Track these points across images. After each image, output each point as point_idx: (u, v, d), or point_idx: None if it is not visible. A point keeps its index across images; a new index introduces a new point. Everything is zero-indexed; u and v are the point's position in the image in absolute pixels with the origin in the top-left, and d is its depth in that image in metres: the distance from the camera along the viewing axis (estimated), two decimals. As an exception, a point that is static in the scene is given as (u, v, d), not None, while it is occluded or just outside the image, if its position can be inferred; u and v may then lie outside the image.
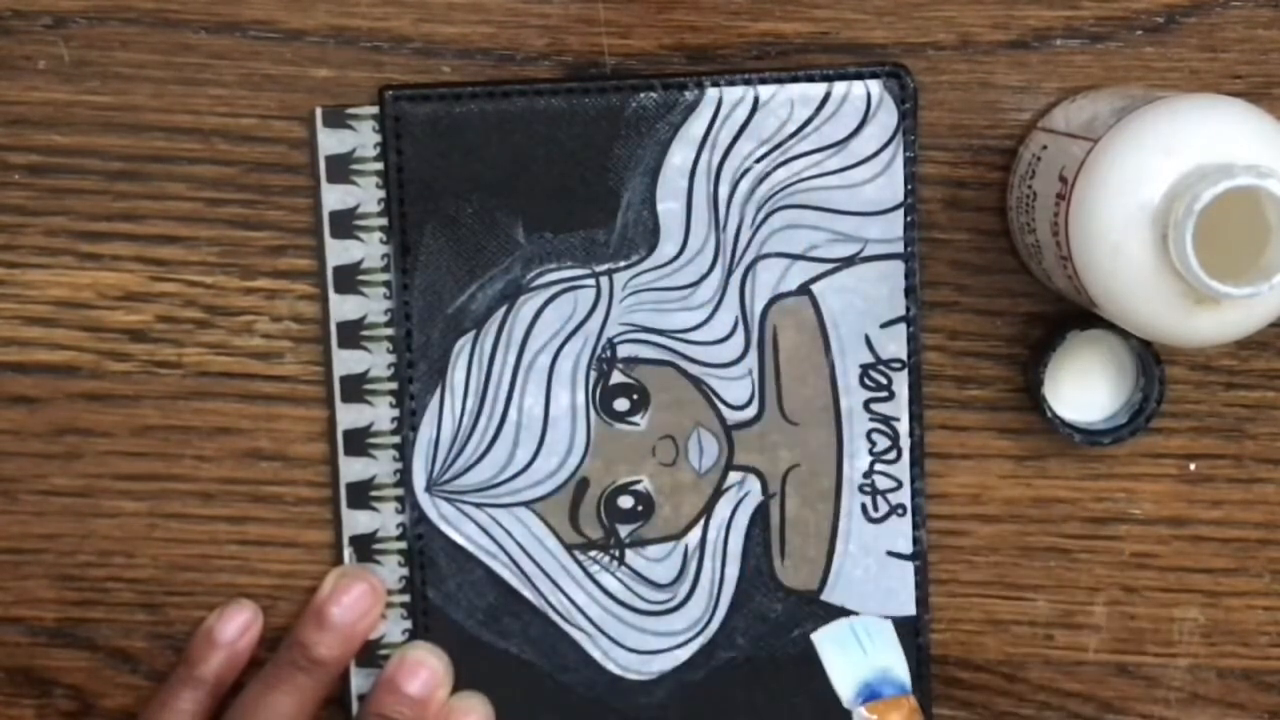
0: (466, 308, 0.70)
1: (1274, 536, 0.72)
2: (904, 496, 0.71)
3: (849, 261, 0.70)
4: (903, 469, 0.71)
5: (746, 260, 0.70)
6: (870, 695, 0.72)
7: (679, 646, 0.72)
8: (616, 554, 0.72)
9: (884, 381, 0.71)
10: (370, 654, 0.72)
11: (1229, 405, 0.72)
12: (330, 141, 0.70)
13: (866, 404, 0.71)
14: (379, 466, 0.71)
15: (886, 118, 0.69)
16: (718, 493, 0.71)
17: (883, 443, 0.71)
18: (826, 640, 0.72)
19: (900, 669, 0.72)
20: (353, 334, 0.71)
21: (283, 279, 0.71)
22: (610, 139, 0.69)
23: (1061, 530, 0.72)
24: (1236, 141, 0.60)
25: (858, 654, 0.72)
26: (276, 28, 0.69)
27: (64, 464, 0.72)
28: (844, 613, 0.72)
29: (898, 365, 0.71)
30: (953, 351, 0.71)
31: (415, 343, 0.70)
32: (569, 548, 0.72)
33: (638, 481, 0.71)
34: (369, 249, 0.70)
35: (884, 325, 0.70)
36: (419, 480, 0.71)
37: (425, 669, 0.71)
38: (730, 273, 0.70)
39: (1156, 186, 0.60)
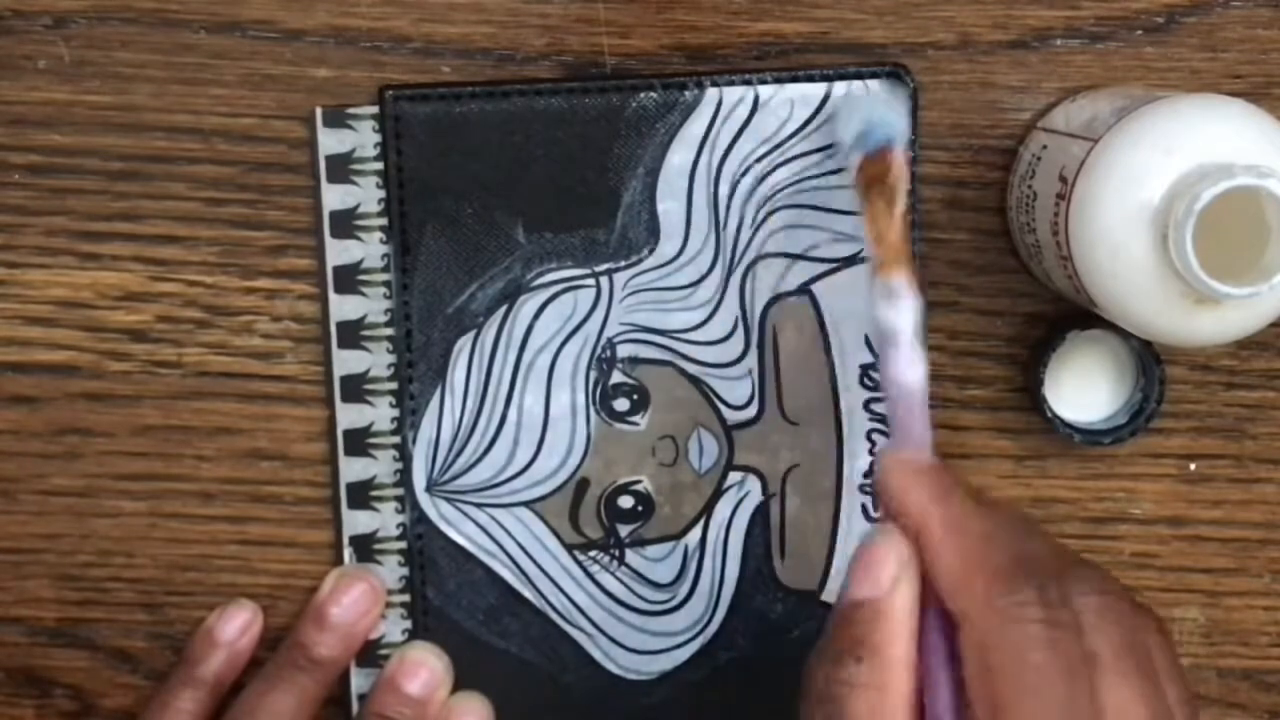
0: (466, 308, 0.70)
1: (1274, 536, 0.72)
2: (904, 496, 0.71)
3: (849, 261, 0.70)
4: (903, 469, 0.71)
5: (746, 260, 0.70)
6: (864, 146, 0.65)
7: (679, 647, 0.72)
8: (616, 554, 0.72)
9: (884, 381, 0.71)
10: (370, 654, 0.72)
11: (1229, 405, 0.72)
12: (330, 141, 0.70)
13: (866, 404, 0.71)
14: (379, 466, 0.71)
15: (886, 118, 0.69)
16: (718, 493, 0.71)
17: (883, 442, 0.71)
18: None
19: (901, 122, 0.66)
20: (353, 334, 0.71)
21: (283, 279, 0.71)
22: (610, 139, 0.69)
23: (1061, 530, 0.72)
24: (1237, 141, 0.60)
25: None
26: (276, 28, 0.69)
27: (64, 464, 0.72)
28: (884, 97, 0.69)
29: (898, 365, 0.71)
30: (953, 351, 0.71)
31: (415, 343, 0.70)
32: (569, 548, 0.72)
33: (638, 481, 0.71)
34: (369, 249, 0.70)
35: (884, 325, 0.70)
36: (419, 480, 0.71)
37: (425, 669, 0.71)
38: (730, 273, 0.70)
39: (1156, 186, 0.60)
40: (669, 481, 0.71)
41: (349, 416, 0.71)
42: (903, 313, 0.60)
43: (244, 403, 0.72)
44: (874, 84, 0.68)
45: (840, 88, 0.69)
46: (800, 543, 0.72)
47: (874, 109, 0.65)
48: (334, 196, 0.70)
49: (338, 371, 0.71)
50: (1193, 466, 0.72)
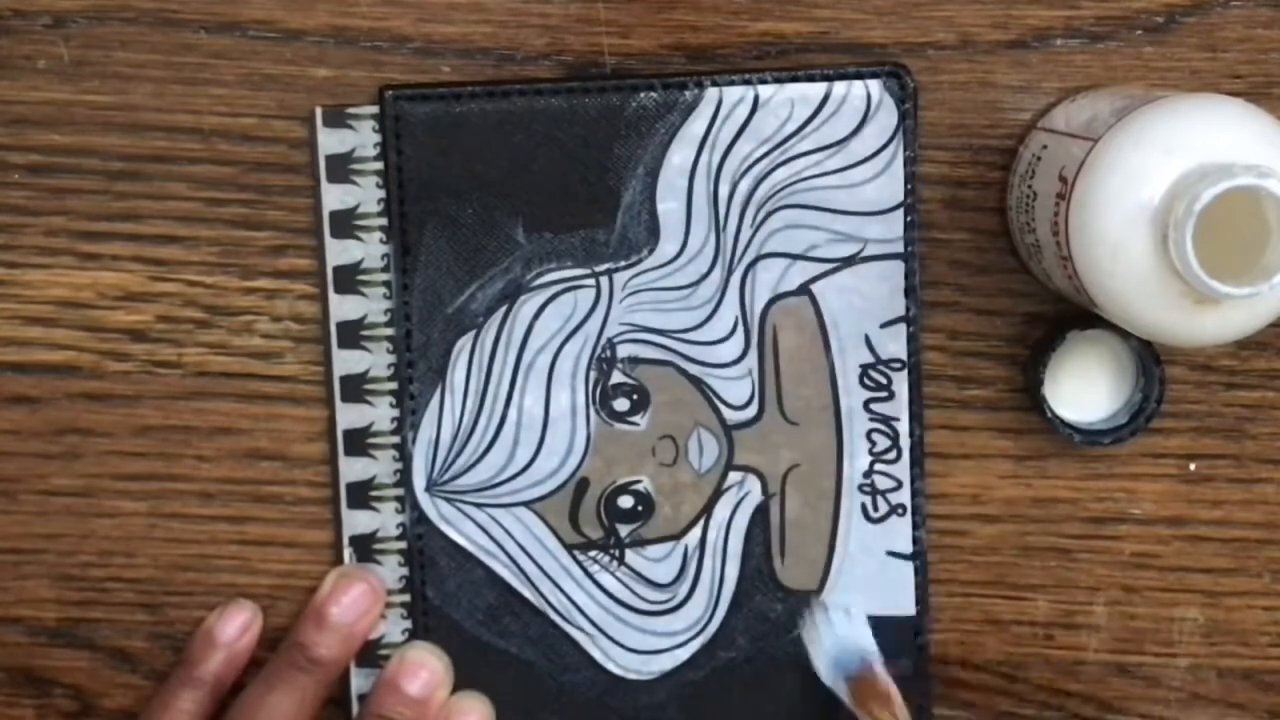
0: (466, 308, 0.70)
1: (1274, 536, 0.72)
2: (904, 496, 0.71)
3: (849, 261, 0.70)
4: (903, 469, 0.71)
5: (746, 260, 0.70)
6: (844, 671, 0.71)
7: (679, 646, 0.72)
8: (616, 554, 0.72)
9: (884, 381, 0.71)
10: (370, 654, 0.72)
11: (1229, 405, 0.72)
12: (330, 141, 0.70)
13: (866, 404, 0.71)
14: (379, 466, 0.71)
15: (886, 118, 0.69)
16: (718, 493, 0.71)
17: (883, 443, 0.71)
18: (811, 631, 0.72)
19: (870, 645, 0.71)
20: (353, 334, 0.71)
21: (283, 279, 0.71)
22: (610, 139, 0.69)
23: (1061, 530, 0.72)
24: (1237, 141, 0.60)
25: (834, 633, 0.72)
26: (276, 28, 0.69)
27: (64, 464, 0.72)
28: (844, 613, 0.72)
29: (898, 365, 0.71)
30: (953, 351, 0.71)
31: (415, 343, 0.70)
32: (569, 548, 0.72)
33: (638, 481, 0.71)
34: (369, 249, 0.70)
35: (884, 325, 0.70)
36: (419, 480, 0.71)
37: (425, 669, 0.71)
38: (730, 272, 0.70)
39: (1156, 186, 0.60)
40: (669, 481, 0.71)
41: (349, 416, 0.71)
42: None
43: (244, 403, 0.72)
44: (838, 604, 0.71)
45: (840, 88, 0.69)
46: (800, 543, 0.72)
47: (837, 634, 0.70)
48: (334, 196, 0.70)
49: (338, 371, 0.71)
50: (1193, 466, 0.72)
